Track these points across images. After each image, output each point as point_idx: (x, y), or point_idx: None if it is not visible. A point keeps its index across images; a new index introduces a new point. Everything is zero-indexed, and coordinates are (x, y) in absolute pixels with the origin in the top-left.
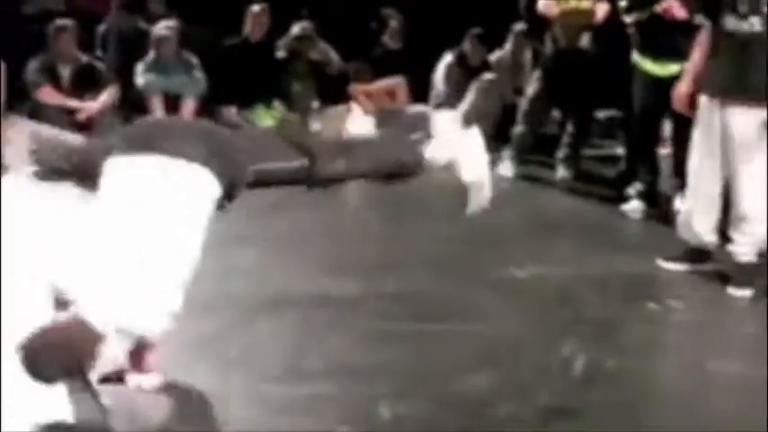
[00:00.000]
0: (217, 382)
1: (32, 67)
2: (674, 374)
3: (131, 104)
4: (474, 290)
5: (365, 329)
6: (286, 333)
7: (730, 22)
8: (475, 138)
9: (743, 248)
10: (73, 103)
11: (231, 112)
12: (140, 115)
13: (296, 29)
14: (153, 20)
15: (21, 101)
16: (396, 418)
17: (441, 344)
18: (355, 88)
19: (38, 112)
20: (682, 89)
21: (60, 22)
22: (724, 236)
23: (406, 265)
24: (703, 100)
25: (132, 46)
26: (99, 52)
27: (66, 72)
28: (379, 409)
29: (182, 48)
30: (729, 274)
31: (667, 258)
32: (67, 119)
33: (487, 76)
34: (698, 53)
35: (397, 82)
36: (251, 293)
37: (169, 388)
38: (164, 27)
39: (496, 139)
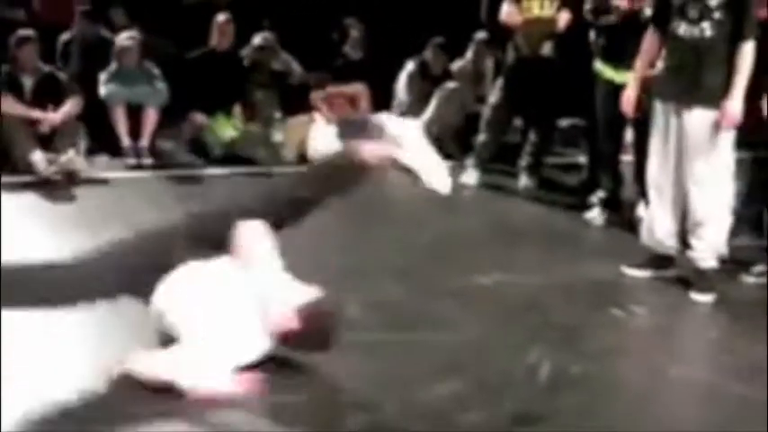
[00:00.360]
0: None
1: None
2: (638, 380)
3: (94, 115)
4: (439, 298)
5: None
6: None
7: (681, 28)
8: (414, 129)
9: (702, 254)
10: (35, 113)
11: (197, 118)
12: (103, 126)
13: (257, 39)
14: (115, 30)
15: None
16: (365, 425)
17: (406, 352)
18: (316, 94)
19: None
20: (629, 93)
21: (23, 32)
22: (684, 242)
23: (370, 274)
24: (657, 106)
25: (95, 56)
26: (60, 63)
27: (28, 82)
28: (346, 419)
29: (143, 58)
30: (691, 279)
31: (631, 265)
32: (30, 130)
33: (449, 84)
34: (643, 58)
35: (358, 89)
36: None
37: None
38: (126, 37)
39: (459, 147)
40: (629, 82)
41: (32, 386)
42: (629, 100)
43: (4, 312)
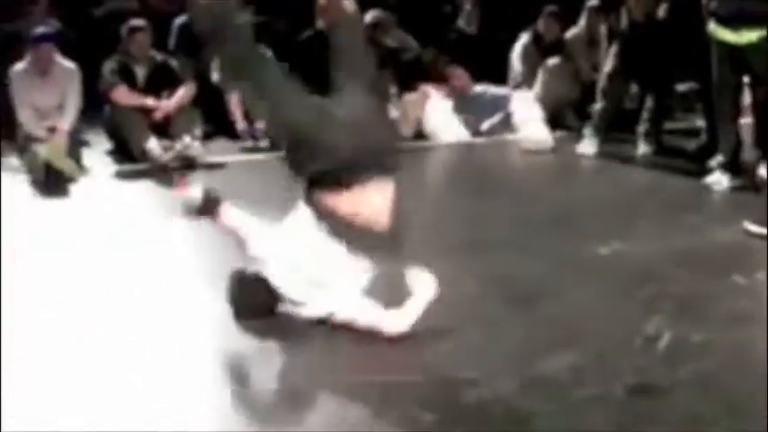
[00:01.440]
0: (301, 379)
1: (107, 68)
2: (761, 348)
3: (209, 99)
4: (557, 269)
5: (449, 312)
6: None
7: None
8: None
9: None
10: (149, 102)
11: None
12: (218, 110)
13: (369, 17)
14: None
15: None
16: (481, 402)
17: (524, 325)
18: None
19: (114, 114)
20: None
21: (135, 22)
22: None
23: (489, 247)
24: None
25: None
26: (173, 47)
27: (141, 72)
28: (464, 394)
29: (256, 41)
30: None
31: (755, 221)
32: (145, 118)
33: (556, 58)
34: None
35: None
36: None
37: None
38: None
39: (576, 117)
40: None
41: None
42: None
43: None
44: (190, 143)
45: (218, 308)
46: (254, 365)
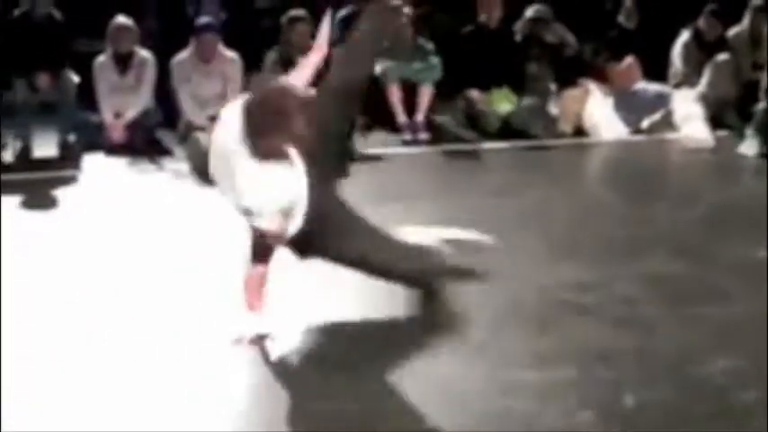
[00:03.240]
0: (459, 367)
1: (269, 58)
2: None
3: (370, 91)
4: (717, 272)
5: (607, 314)
6: (529, 318)
7: None
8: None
9: None
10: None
11: (473, 93)
12: (379, 102)
13: (531, 11)
14: None
15: None
16: (640, 404)
17: (684, 327)
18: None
19: None
20: None
21: (294, 12)
22: None
23: (647, 248)
24: None
25: None
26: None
27: None
28: (623, 396)
29: (419, 34)
30: None
31: None
32: None
33: (722, 55)
34: None
35: (629, 62)
36: (488, 280)
37: None
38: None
39: (737, 117)
40: None
41: None
42: None
43: None
44: None
45: None
46: (266, 366)
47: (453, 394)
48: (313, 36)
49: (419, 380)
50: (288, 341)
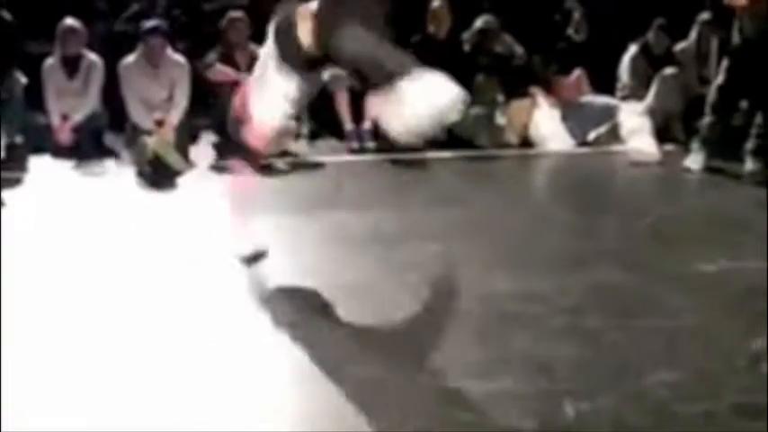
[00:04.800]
0: (399, 375)
1: (209, 57)
2: None
3: (317, 99)
4: (662, 285)
5: (551, 324)
6: (470, 329)
7: None
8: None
9: None
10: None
11: None
12: (324, 111)
13: (479, 22)
14: None
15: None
16: (581, 415)
17: (628, 339)
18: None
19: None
20: None
21: (234, 13)
22: None
23: (592, 259)
24: None
25: None
26: None
27: (242, 60)
28: (564, 407)
29: None
30: None
31: None
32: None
33: (670, 69)
34: None
35: (577, 75)
36: (433, 291)
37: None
38: None
39: (683, 131)
40: None
41: None
42: None
43: None
44: (287, 140)
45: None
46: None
47: (393, 403)
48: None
49: (358, 388)
50: None
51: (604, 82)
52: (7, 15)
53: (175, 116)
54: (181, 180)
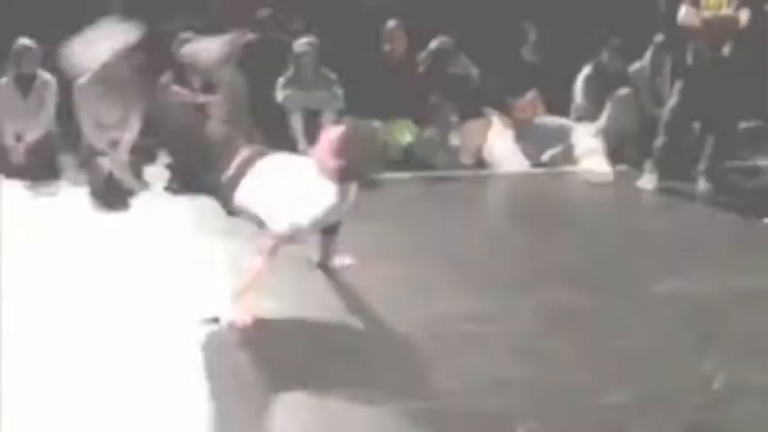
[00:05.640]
0: (352, 396)
1: (164, 78)
2: None
3: (271, 119)
4: (615, 304)
5: (505, 345)
6: (422, 349)
7: None
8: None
9: None
10: (200, 97)
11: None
12: (278, 131)
13: (434, 43)
14: (293, 36)
15: None
16: None
17: (579, 359)
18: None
19: None
20: None
21: (184, 35)
22: None
23: (546, 280)
24: None
25: (274, 61)
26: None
27: (196, 80)
28: (514, 427)
29: (320, 63)
30: None
31: None
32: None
33: (624, 90)
34: None
35: (532, 96)
36: (387, 311)
37: None
38: (304, 43)
39: (637, 151)
40: None
41: None
42: None
43: None
44: None
45: None
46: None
47: (344, 423)
48: None
49: (310, 409)
50: None
51: (559, 103)
52: None
53: (129, 137)
54: (135, 201)
